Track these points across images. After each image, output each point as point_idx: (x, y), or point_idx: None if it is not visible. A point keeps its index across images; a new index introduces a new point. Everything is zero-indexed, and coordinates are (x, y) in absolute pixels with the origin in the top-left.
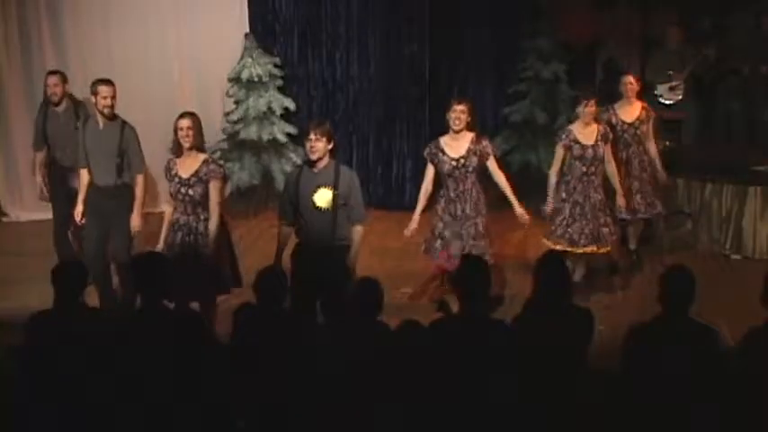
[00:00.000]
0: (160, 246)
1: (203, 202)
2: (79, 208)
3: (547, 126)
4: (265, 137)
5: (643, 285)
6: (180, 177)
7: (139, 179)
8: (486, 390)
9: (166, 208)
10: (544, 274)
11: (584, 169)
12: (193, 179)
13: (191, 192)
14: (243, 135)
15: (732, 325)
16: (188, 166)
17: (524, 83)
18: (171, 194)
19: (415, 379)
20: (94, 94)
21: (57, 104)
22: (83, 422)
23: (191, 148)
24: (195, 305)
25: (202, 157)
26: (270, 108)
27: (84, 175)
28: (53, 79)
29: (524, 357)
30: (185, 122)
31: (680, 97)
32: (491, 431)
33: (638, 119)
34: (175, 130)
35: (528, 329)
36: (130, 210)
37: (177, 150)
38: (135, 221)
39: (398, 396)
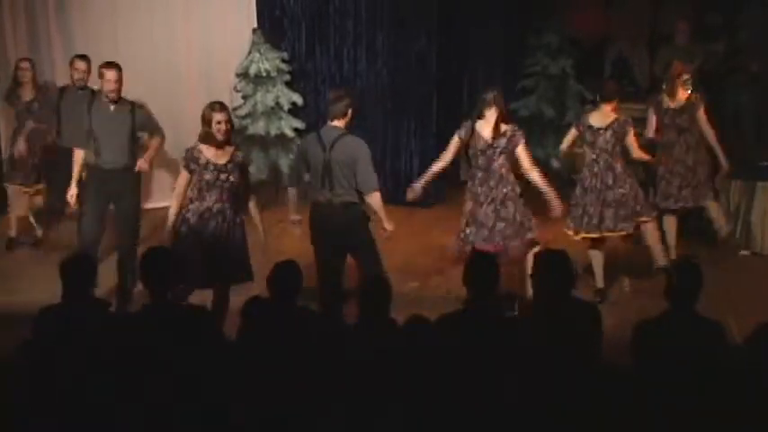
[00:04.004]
0: (169, 232)
1: (238, 188)
2: (73, 191)
3: (554, 121)
4: (273, 132)
5: (650, 280)
6: (215, 164)
7: (157, 140)
8: (493, 385)
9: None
10: (549, 268)
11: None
12: (230, 165)
13: (231, 178)
14: (251, 130)
15: (740, 321)
16: (220, 154)
17: (532, 78)
18: (205, 182)
19: (422, 375)
20: (100, 77)
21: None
22: (88, 419)
23: (227, 142)
24: (198, 298)
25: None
26: (278, 103)
27: (80, 156)
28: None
29: (531, 353)
30: (223, 116)
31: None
32: (498, 428)
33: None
34: (209, 122)
35: (535, 325)
36: (136, 192)
37: (211, 140)
38: (143, 164)
39: (405, 392)
